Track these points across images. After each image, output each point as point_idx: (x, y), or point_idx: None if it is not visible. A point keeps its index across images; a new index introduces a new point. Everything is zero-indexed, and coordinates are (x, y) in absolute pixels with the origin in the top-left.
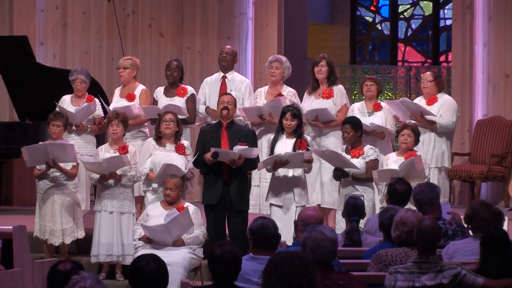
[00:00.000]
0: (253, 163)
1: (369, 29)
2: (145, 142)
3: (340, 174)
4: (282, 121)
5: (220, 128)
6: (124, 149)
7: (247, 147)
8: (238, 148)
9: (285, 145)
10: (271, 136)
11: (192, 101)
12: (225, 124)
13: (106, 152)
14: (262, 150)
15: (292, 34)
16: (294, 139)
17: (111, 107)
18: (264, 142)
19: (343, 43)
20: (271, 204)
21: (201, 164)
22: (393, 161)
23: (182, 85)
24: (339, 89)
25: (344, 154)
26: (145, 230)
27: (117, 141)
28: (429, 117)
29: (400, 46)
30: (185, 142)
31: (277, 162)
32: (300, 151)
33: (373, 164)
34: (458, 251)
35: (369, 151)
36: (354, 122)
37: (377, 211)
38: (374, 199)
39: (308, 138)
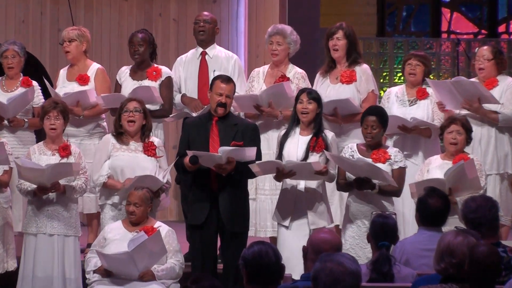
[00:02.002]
0: (250, 168)
1: None
2: (101, 140)
3: (364, 184)
4: (296, 109)
5: (209, 121)
6: (65, 150)
7: (237, 147)
8: (224, 149)
9: (296, 145)
10: (272, 133)
11: (167, 86)
12: (215, 117)
13: (42, 154)
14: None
15: None
16: (309, 136)
17: (61, 94)
18: (262, 141)
19: (369, 8)
20: (279, 224)
21: (181, 170)
22: (436, 167)
23: (155, 65)
24: (363, 71)
25: (356, 155)
26: (102, 259)
27: (55, 139)
28: (488, 106)
29: (445, 12)
30: (155, 140)
31: (280, 171)
32: (309, 161)
33: (402, 172)
34: None
35: (397, 155)
36: (381, 114)
37: (405, 234)
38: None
39: (330, 135)
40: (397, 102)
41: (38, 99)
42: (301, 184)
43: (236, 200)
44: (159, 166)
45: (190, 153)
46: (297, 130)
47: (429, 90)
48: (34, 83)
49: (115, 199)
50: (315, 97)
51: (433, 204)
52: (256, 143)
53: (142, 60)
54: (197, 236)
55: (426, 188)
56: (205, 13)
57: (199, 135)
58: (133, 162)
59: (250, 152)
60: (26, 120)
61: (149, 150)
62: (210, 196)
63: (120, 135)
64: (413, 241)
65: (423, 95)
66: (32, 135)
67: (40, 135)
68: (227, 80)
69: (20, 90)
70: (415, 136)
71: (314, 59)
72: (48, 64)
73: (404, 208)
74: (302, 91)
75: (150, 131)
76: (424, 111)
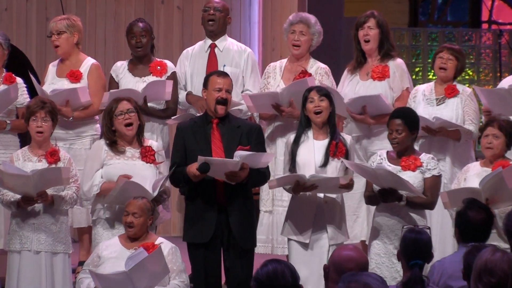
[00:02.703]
0: (262, 176)
1: None
2: (92, 145)
3: (389, 195)
4: (304, 110)
5: (208, 124)
6: (53, 156)
7: (251, 152)
8: (240, 154)
9: (312, 151)
10: (291, 136)
11: (173, 83)
12: (215, 119)
13: (26, 160)
14: (277, 157)
15: None
16: (326, 140)
17: (48, 92)
18: (279, 145)
19: None
20: (289, 240)
21: (181, 181)
22: (474, 175)
23: (157, 59)
24: (397, 66)
25: (385, 163)
26: (96, 280)
27: (42, 143)
28: None
29: (486, 0)
30: (154, 144)
31: (300, 185)
32: (329, 167)
33: (435, 182)
34: None
35: (430, 162)
36: (408, 116)
37: (440, 253)
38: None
39: (349, 138)
40: (423, 101)
41: (23, 98)
42: (321, 194)
43: (246, 213)
44: (159, 173)
45: (201, 159)
46: (309, 134)
47: (460, 87)
48: (18, 79)
49: (108, 213)
50: (326, 93)
51: (474, 218)
52: (263, 146)
53: (145, 53)
54: (200, 255)
55: (466, 200)
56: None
57: (197, 141)
58: (130, 170)
59: (267, 158)
60: (8, 121)
61: (147, 156)
62: (217, 210)
63: (114, 143)
64: (453, 261)
65: (452, 92)
66: (15, 139)
67: (25, 139)
68: (224, 74)
69: (2, 87)
70: (443, 139)
71: (337, 52)
72: (35, 58)
73: (432, 220)
74: (309, 89)
75: (143, 133)
76: (453, 110)
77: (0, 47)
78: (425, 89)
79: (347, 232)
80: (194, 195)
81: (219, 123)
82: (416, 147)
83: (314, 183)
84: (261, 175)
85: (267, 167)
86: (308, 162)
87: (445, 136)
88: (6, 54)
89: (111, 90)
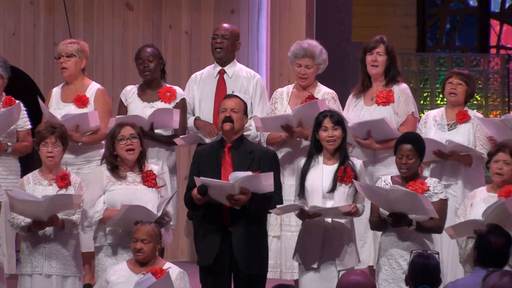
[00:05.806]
0: (268, 201)
1: None
2: (93, 170)
3: (400, 220)
4: (316, 135)
5: (221, 149)
6: (64, 180)
7: (251, 174)
8: (235, 176)
9: (321, 175)
10: (299, 162)
11: (182, 109)
12: (228, 143)
13: (37, 184)
14: (284, 182)
15: (329, 6)
16: (335, 165)
17: (59, 117)
18: (287, 171)
19: (407, 19)
20: (300, 264)
21: (189, 205)
22: (481, 201)
23: (167, 85)
24: (402, 90)
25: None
26: None
27: (53, 168)
28: None
29: (494, 25)
30: (154, 167)
31: (304, 213)
32: (337, 192)
33: (443, 205)
34: None
35: (437, 186)
36: (418, 142)
37: (442, 275)
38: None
39: (359, 163)
40: (435, 127)
41: (23, 121)
42: (328, 219)
43: (251, 238)
44: (161, 196)
45: (198, 181)
46: (320, 159)
47: (471, 112)
48: (18, 102)
49: (110, 239)
50: (339, 120)
51: (494, 242)
52: (275, 172)
53: (153, 77)
54: (208, 279)
55: (489, 224)
56: (225, 25)
57: (210, 165)
58: (132, 195)
59: (267, 180)
60: (9, 144)
61: (149, 180)
62: (222, 233)
63: (116, 169)
64: (468, 283)
65: (463, 118)
66: (16, 163)
67: (27, 164)
68: (231, 96)
69: (3, 111)
70: (455, 163)
71: (345, 77)
72: (42, 82)
73: (443, 246)
74: (323, 115)
75: (145, 158)
76: (464, 136)
77: None
78: (436, 114)
79: (358, 256)
80: (203, 219)
81: (232, 147)
82: (427, 171)
83: (317, 211)
84: (267, 200)
85: (277, 192)
86: (316, 188)
87: (456, 161)
88: (5, 80)
89: (117, 116)
